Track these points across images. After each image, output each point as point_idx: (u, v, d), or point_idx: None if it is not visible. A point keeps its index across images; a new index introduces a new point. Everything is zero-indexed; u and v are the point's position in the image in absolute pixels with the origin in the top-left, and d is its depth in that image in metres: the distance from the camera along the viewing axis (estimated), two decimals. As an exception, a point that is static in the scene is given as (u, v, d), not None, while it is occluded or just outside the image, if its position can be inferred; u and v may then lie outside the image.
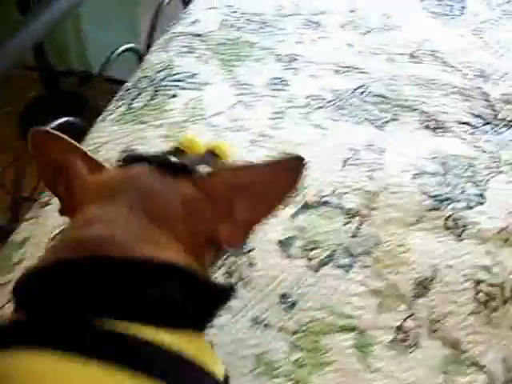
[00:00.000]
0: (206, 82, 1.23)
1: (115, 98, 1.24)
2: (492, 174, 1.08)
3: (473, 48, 1.38)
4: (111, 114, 1.18)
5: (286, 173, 0.52)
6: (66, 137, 0.58)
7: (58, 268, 0.47)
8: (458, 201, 1.02)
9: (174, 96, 1.18)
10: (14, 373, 0.40)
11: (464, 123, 1.20)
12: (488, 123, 1.21)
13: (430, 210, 1.00)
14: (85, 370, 0.40)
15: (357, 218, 0.98)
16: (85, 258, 0.47)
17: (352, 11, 1.48)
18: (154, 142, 1.08)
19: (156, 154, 0.61)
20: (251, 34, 1.37)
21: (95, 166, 0.58)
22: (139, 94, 1.21)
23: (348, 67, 1.31)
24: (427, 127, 1.19)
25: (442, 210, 1.00)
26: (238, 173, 0.54)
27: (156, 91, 1.21)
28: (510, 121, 1.22)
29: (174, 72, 1.25)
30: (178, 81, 1.22)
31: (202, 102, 1.19)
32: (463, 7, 1.49)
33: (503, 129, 1.20)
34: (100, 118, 1.19)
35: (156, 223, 0.51)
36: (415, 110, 1.22)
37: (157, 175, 0.54)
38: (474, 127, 1.20)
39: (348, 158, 1.09)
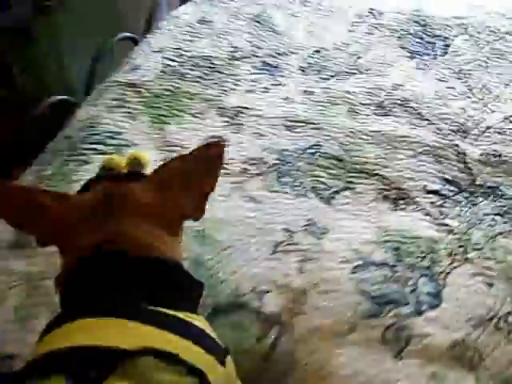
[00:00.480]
0: (129, 143, 1.06)
1: (34, 161, 1.09)
2: (455, 264, 0.89)
3: (453, 95, 1.18)
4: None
5: (211, 157, 0.64)
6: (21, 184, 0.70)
7: (99, 267, 0.58)
8: (405, 304, 0.83)
9: (85, 162, 1.02)
10: (94, 328, 0.54)
11: (432, 192, 1.01)
12: (462, 191, 1.02)
13: (367, 316, 0.81)
14: (135, 328, 0.54)
15: (276, 328, 0.80)
16: (115, 258, 0.59)
17: (317, 51, 1.30)
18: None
19: (109, 174, 0.68)
20: (194, 83, 1.20)
21: (58, 196, 0.63)
22: (54, 159, 1.06)
23: (301, 122, 1.13)
24: (386, 198, 1.00)
25: (381, 317, 0.81)
26: (175, 164, 0.64)
27: (71, 155, 1.05)
28: (489, 188, 1.02)
29: (96, 132, 1.09)
30: (97, 143, 1.06)
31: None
32: (447, 45, 1.29)
33: (480, 198, 1.00)
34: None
35: (149, 220, 0.61)
36: (374, 175, 1.03)
37: (120, 186, 0.62)
38: (444, 197, 1.00)
39: (280, 243, 0.91)
